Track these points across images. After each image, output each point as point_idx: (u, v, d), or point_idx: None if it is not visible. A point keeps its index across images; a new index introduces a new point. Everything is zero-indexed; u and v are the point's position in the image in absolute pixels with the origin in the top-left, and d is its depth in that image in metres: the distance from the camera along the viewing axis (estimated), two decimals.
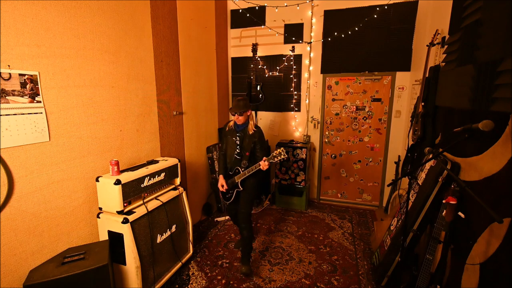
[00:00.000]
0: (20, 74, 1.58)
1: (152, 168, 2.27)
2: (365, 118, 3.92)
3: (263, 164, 2.33)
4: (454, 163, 1.88)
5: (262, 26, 4.13)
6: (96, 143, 2.09)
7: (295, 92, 4.16)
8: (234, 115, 2.49)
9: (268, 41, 4.19)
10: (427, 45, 2.60)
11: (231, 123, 2.60)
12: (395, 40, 3.56)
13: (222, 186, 2.62)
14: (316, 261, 2.75)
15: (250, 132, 2.49)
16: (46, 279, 1.53)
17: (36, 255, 1.72)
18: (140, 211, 2.08)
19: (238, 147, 2.55)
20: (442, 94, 2.28)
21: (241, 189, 2.56)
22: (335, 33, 3.79)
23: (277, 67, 4.18)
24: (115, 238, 1.97)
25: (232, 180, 2.58)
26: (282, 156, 2.31)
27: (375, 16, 3.56)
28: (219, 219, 3.68)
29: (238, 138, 2.54)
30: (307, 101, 4.13)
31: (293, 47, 4.03)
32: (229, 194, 2.66)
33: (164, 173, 2.40)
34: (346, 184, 4.17)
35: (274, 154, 2.33)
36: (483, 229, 1.47)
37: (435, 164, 2.09)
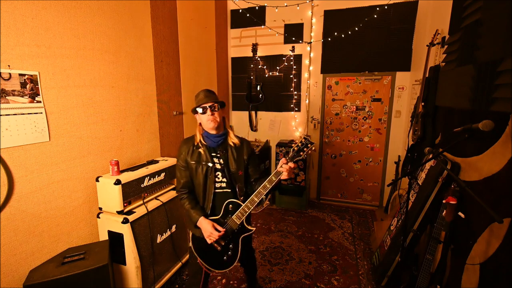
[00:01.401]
0: (20, 74, 1.58)
1: (152, 168, 2.27)
2: (365, 118, 3.92)
3: (287, 167, 1.46)
4: (454, 163, 1.88)
5: (262, 26, 4.13)
6: (96, 143, 2.09)
7: (295, 92, 4.16)
8: (204, 113, 1.58)
9: (268, 41, 4.19)
10: (427, 45, 2.60)
11: (197, 138, 1.66)
12: (395, 40, 3.56)
13: (214, 233, 1.56)
14: (316, 261, 2.75)
15: (235, 144, 1.67)
16: (46, 279, 1.53)
17: (36, 255, 1.72)
18: (140, 211, 2.08)
19: (221, 174, 1.63)
20: (442, 94, 2.28)
21: (253, 229, 1.65)
22: (335, 33, 3.78)
23: (277, 67, 4.18)
24: (115, 238, 1.97)
25: (230, 223, 1.60)
26: (311, 146, 1.50)
27: (375, 16, 3.56)
28: None
29: (220, 161, 1.63)
30: (307, 101, 4.13)
31: (293, 47, 4.03)
32: (231, 252, 1.62)
33: (164, 173, 2.39)
34: (346, 184, 4.17)
35: (298, 147, 1.49)
36: (483, 229, 1.47)
37: (435, 164, 2.09)
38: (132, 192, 2.06)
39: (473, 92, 1.68)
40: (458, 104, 1.94)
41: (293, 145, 1.51)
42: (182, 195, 1.69)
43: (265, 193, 1.54)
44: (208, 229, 1.55)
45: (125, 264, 1.99)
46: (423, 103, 2.52)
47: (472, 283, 1.52)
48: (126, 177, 2.00)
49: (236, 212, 1.59)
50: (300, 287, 2.39)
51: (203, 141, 1.65)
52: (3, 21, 1.49)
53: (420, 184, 2.23)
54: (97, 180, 1.99)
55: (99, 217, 2.02)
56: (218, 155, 1.64)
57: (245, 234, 1.63)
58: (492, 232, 1.40)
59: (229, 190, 1.65)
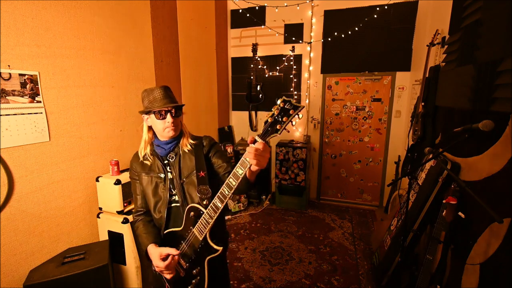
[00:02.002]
0: (20, 74, 1.58)
1: None
2: (365, 118, 3.92)
3: (251, 151, 0.94)
4: (454, 163, 1.88)
5: (262, 26, 4.13)
6: (96, 143, 2.09)
7: (295, 92, 4.16)
8: (162, 118, 1.23)
9: (268, 41, 4.19)
10: (427, 45, 2.60)
11: (142, 151, 1.33)
12: (395, 40, 3.56)
13: (167, 260, 1.16)
14: (316, 261, 2.75)
15: (187, 148, 1.30)
16: (46, 279, 1.53)
17: (36, 255, 1.72)
18: None
19: (172, 187, 1.27)
20: (442, 94, 2.28)
21: (219, 249, 1.16)
22: (335, 33, 3.78)
23: (277, 67, 4.18)
24: (115, 238, 1.97)
25: (192, 240, 1.20)
26: (290, 110, 0.92)
27: (375, 16, 3.56)
28: None
29: (169, 166, 1.29)
30: (307, 101, 4.13)
31: (293, 47, 4.03)
32: (197, 275, 1.21)
33: None
34: (346, 184, 4.17)
35: (275, 112, 0.94)
36: (483, 229, 1.47)
37: (435, 164, 2.09)
38: (132, 192, 2.05)
39: (473, 92, 1.68)
40: (458, 104, 1.94)
41: (268, 117, 0.96)
42: (137, 217, 1.35)
43: (231, 193, 1.05)
44: (155, 261, 1.17)
45: (125, 264, 1.99)
46: (423, 103, 2.52)
47: (472, 283, 1.51)
48: (126, 177, 2.00)
49: (197, 224, 1.17)
50: (300, 287, 2.39)
51: (150, 153, 1.31)
52: (3, 21, 1.49)
53: (420, 184, 2.23)
54: (97, 180, 1.99)
55: (99, 217, 2.02)
56: (168, 164, 1.29)
57: (211, 256, 1.17)
58: (492, 232, 1.40)
59: (179, 204, 1.27)
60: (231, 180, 1.05)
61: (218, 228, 1.23)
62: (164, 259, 1.17)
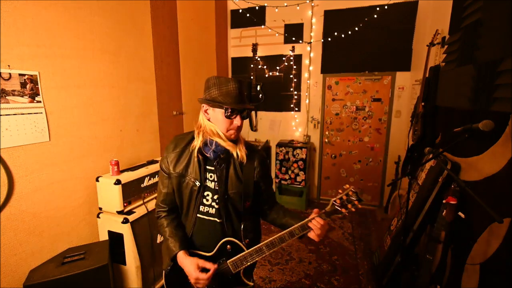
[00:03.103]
0: (20, 74, 1.58)
1: (152, 168, 2.27)
2: (365, 118, 3.92)
3: (318, 226, 1.07)
4: (454, 163, 1.88)
5: (262, 26, 4.13)
6: (96, 143, 2.09)
7: (295, 92, 4.16)
8: (229, 117, 1.06)
9: (268, 41, 4.19)
10: (427, 45, 2.60)
11: (196, 143, 1.11)
12: (395, 40, 3.56)
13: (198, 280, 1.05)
14: (316, 261, 2.75)
15: (244, 158, 1.13)
16: (46, 279, 1.53)
17: (36, 255, 1.72)
18: (140, 211, 2.07)
19: (210, 193, 1.14)
20: (442, 94, 2.28)
21: (250, 284, 1.16)
22: (335, 33, 3.78)
23: (277, 67, 4.18)
24: (115, 238, 1.97)
25: (222, 268, 1.11)
26: (355, 201, 1.11)
27: (375, 16, 3.56)
28: None
29: (213, 174, 1.13)
30: (307, 101, 4.13)
31: (293, 47, 4.03)
32: None
33: None
34: (346, 184, 4.16)
35: (344, 197, 1.11)
36: (483, 229, 1.47)
37: (435, 164, 2.09)
38: (132, 192, 2.06)
39: (473, 92, 1.68)
40: (458, 104, 1.94)
41: (335, 199, 1.12)
42: (160, 212, 1.22)
43: (280, 246, 1.09)
44: (192, 272, 1.05)
45: (125, 264, 1.99)
46: (423, 103, 2.52)
47: (472, 283, 1.51)
48: (126, 177, 2.00)
49: (234, 258, 1.10)
50: (300, 287, 2.39)
51: (202, 150, 1.11)
52: (3, 21, 1.49)
53: (420, 184, 2.23)
54: (97, 180, 1.99)
55: (99, 217, 2.02)
56: (214, 169, 1.12)
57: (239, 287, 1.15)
58: (492, 232, 1.40)
59: (218, 221, 1.13)
60: (285, 236, 1.09)
61: (251, 266, 1.15)
62: (201, 270, 1.06)
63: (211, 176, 1.13)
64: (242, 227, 1.15)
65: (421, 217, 1.98)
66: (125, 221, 1.93)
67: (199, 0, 3.42)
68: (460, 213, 1.66)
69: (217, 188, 1.12)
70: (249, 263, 1.10)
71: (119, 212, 1.97)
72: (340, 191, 1.12)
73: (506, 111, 1.34)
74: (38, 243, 1.73)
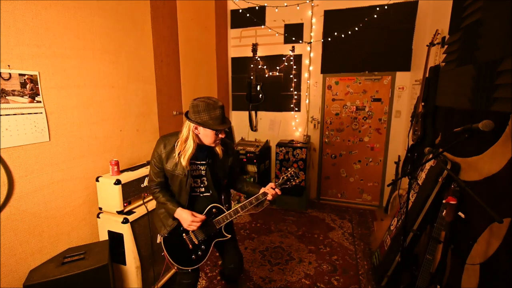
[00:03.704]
0: (20, 74, 1.58)
1: None
2: (365, 118, 3.92)
3: (273, 192, 1.60)
4: (454, 163, 1.88)
5: (262, 26, 4.13)
6: (96, 143, 2.09)
7: (295, 92, 4.16)
8: (216, 134, 1.49)
9: (268, 41, 4.19)
10: (427, 45, 2.60)
11: (185, 147, 1.51)
12: (395, 40, 3.56)
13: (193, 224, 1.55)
14: (316, 261, 2.75)
15: (219, 153, 1.61)
16: (46, 279, 1.53)
17: (36, 255, 1.72)
18: (140, 211, 2.08)
19: (205, 179, 1.63)
20: (442, 94, 2.28)
21: (228, 236, 1.67)
22: (335, 33, 3.78)
23: (277, 67, 4.18)
24: (115, 238, 1.97)
25: (208, 225, 1.63)
26: (297, 180, 1.67)
27: (375, 16, 3.56)
28: None
29: (201, 168, 1.62)
30: (307, 101, 4.13)
31: (293, 47, 4.03)
32: (200, 252, 1.64)
33: None
34: (346, 184, 4.17)
35: (287, 176, 1.65)
36: (483, 229, 1.47)
37: (435, 164, 2.09)
38: (132, 192, 2.06)
39: (473, 92, 1.68)
40: (458, 104, 1.94)
41: (282, 175, 1.67)
42: (155, 189, 1.64)
43: (250, 207, 1.62)
44: (188, 218, 1.53)
45: (125, 264, 1.99)
46: (423, 103, 2.52)
47: (472, 283, 1.52)
48: (126, 177, 2.00)
49: (218, 218, 1.63)
50: (300, 287, 2.39)
51: (189, 152, 1.50)
52: (3, 21, 1.49)
53: (420, 184, 2.23)
54: (97, 180, 1.99)
55: (99, 217, 2.02)
56: (202, 161, 1.60)
57: (219, 239, 1.68)
58: (492, 232, 1.40)
59: (208, 194, 1.66)
60: (253, 200, 1.62)
61: (230, 222, 1.69)
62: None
63: (201, 166, 1.62)
64: (222, 197, 1.71)
65: (421, 217, 1.99)
66: (125, 221, 1.93)
67: (199, 0, 3.42)
68: (460, 213, 1.66)
69: (206, 173, 1.62)
70: (228, 220, 1.63)
71: (119, 212, 1.97)
72: (284, 175, 1.67)
73: (506, 111, 1.34)
74: (38, 243, 1.73)
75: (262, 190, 1.63)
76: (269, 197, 1.60)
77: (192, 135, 1.49)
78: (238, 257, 1.84)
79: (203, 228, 1.62)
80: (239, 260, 1.85)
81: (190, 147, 1.49)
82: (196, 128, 1.48)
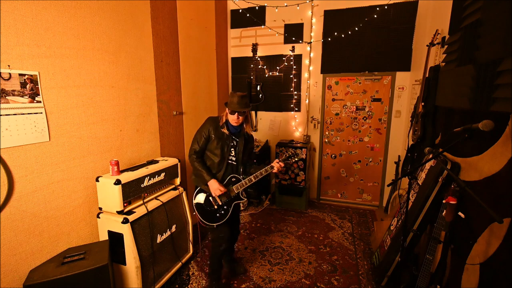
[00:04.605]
0: (20, 74, 1.58)
1: (152, 168, 2.27)
2: (365, 118, 3.92)
3: (277, 165, 2.11)
4: (454, 163, 1.88)
5: (262, 26, 4.13)
6: (96, 143, 2.09)
7: (295, 92, 4.16)
8: (233, 114, 2.04)
9: (268, 41, 4.19)
10: (427, 45, 2.60)
11: (223, 119, 2.13)
12: (395, 40, 3.56)
13: (217, 198, 2.10)
14: (316, 261, 2.75)
15: (248, 135, 2.24)
16: (46, 279, 1.53)
17: (36, 255, 1.72)
18: (140, 211, 2.08)
19: (234, 152, 2.17)
20: (442, 94, 2.28)
21: (244, 199, 2.28)
22: (335, 33, 3.78)
23: (277, 67, 4.18)
24: (115, 238, 1.97)
25: (229, 190, 2.15)
26: (296, 157, 2.17)
27: (375, 16, 3.56)
28: None
29: (234, 143, 2.16)
30: (307, 101, 4.13)
31: (293, 47, 4.03)
32: (223, 211, 2.14)
33: (164, 173, 2.40)
34: (346, 184, 4.17)
35: (290, 154, 2.16)
36: (483, 229, 1.47)
37: (435, 164, 2.09)
38: (132, 192, 2.06)
39: (473, 92, 1.68)
40: (458, 104, 1.94)
41: (287, 150, 2.08)
42: (195, 158, 2.12)
43: (260, 177, 2.13)
44: (216, 187, 2.05)
45: (125, 264, 1.99)
46: (423, 103, 2.52)
47: (472, 283, 1.52)
48: (126, 177, 2.00)
49: (236, 184, 2.15)
50: (300, 287, 2.39)
51: (225, 129, 2.10)
52: (3, 21, 1.49)
53: (420, 184, 2.23)
54: (97, 180, 1.99)
55: (99, 217, 2.02)
56: (235, 138, 2.16)
57: (238, 201, 2.21)
58: (492, 232, 1.40)
59: (235, 164, 2.19)
60: (262, 171, 2.12)
61: (244, 190, 2.22)
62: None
63: (234, 142, 2.16)
64: (238, 171, 2.22)
65: (421, 217, 1.99)
66: (125, 221, 1.93)
67: (199, 0, 3.42)
68: (460, 213, 1.66)
69: (235, 149, 2.17)
70: (244, 187, 2.16)
71: (119, 212, 1.97)
72: (286, 153, 2.19)
73: (506, 111, 1.34)
74: (38, 243, 1.73)
75: (271, 164, 2.12)
76: (275, 170, 2.10)
77: (225, 114, 2.12)
78: (239, 221, 2.52)
79: (226, 192, 2.11)
80: (239, 224, 2.53)
81: (222, 120, 2.12)
82: (227, 110, 2.09)
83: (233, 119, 2.06)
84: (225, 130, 2.10)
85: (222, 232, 2.16)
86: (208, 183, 2.08)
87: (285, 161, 2.11)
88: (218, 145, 2.09)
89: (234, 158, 2.17)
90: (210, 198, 2.13)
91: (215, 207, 2.13)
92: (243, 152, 2.19)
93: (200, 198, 2.16)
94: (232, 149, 2.15)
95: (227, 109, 2.08)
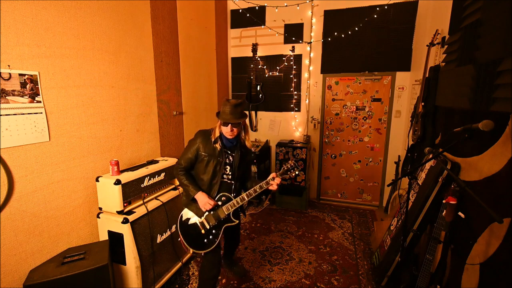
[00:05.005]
0: (20, 74, 1.58)
1: (152, 168, 2.27)
2: (365, 118, 3.92)
3: (276, 182, 1.81)
4: (454, 163, 1.88)
5: (262, 26, 4.13)
6: (96, 143, 2.09)
7: (295, 92, 4.16)
8: (226, 126, 1.78)
9: (268, 41, 4.19)
10: (427, 45, 2.60)
11: (216, 134, 1.87)
12: (395, 40, 3.56)
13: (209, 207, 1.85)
14: (316, 261, 2.75)
15: (245, 148, 1.97)
16: (46, 279, 1.53)
17: (36, 255, 1.72)
18: (140, 211, 2.08)
19: (229, 170, 1.91)
20: (442, 94, 2.28)
21: (236, 222, 1.93)
22: (335, 33, 3.78)
23: (277, 67, 4.18)
24: (115, 238, 1.97)
25: (218, 212, 1.88)
26: (296, 171, 1.86)
27: (375, 16, 3.56)
28: None
29: (230, 159, 1.91)
30: (307, 101, 4.13)
31: (293, 47, 4.03)
32: (211, 236, 1.87)
33: (164, 173, 2.39)
34: (346, 184, 4.17)
35: (287, 167, 1.86)
36: (483, 229, 1.47)
37: (435, 164, 2.09)
38: (132, 192, 2.06)
39: (473, 92, 1.68)
40: (458, 104, 1.94)
41: (285, 164, 1.88)
42: (180, 171, 1.93)
43: (254, 195, 1.86)
44: (206, 201, 1.83)
45: (125, 264, 1.99)
46: (423, 103, 2.52)
47: (472, 283, 1.52)
48: (126, 177, 2.00)
49: (226, 204, 1.89)
50: (300, 287, 2.39)
51: (218, 142, 1.86)
52: (3, 21, 1.49)
53: (420, 184, 2.23)
54: (97, 180, 1.99)
55: (99, 217, 2.02)
56: (230, 153, 1.91)
57: (228, 224, 1.92)
58: (492, 232, 1.40)
59: (232, 182, 1.94)
60: (257, 189, 1.84)
61: (237, 209, 1.93)
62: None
63: (229, 157, 1.90)
64: (232, 189, 1.94)
65: (421, 217, 1.99)
66: (125, 221, 1.93)
67: (199, 0, 3.42)
68: (460, 213, 1.66)
69: (232, 164, 1.91)
70: (235, 207, 1.87)
71: (119, 212, 1.97)
72: (285, 166, 1.88)
73: (506, 111, 1.34)
74: (38, 243, 1.73)
75: (267, 179, 1.87)
76: (274, 187, 1.83)
77: (218, 126, 1.87)
78: (238, 240, 2.38)
79: (214, 214, 1.88)
80: (237, 241, 2.36)
81: (214, 132, 1.87)
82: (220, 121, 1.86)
83: (227, 132, 1.81)
84: (217, 146, 1.84)
85: (213, 256, 1.93)
86: (196, 197, 1.85)
87: (283, 175, 1.85)
88: (209, 163, 1.86)
89: (230, 176, 1.92)
90: (198, 221, 1.89)
91: (203, 231, 1.87)
92: (239, 167, 1.93)
93: (186, 221, 1.92)
94: (227, 166, 1.89)
95: (219, 120, 1.84)
